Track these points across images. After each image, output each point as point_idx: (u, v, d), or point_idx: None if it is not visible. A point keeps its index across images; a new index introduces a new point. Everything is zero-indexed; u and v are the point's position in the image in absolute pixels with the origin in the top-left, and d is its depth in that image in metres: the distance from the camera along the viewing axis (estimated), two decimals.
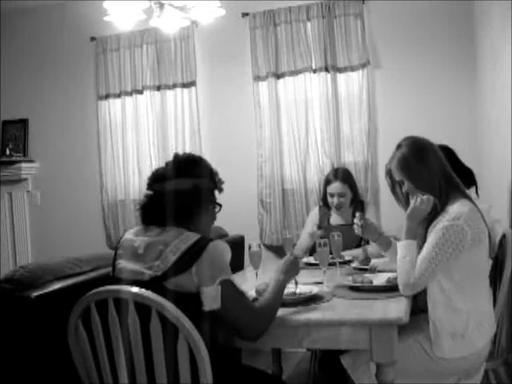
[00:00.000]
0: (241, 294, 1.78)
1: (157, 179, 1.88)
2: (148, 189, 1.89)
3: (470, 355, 2.03)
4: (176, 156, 1.94)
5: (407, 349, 2.02)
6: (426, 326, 2.05)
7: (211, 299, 1.67)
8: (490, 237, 2.11)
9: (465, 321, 2.00)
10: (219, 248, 1.73)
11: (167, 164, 1.93)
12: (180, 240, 1.72)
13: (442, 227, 2.01)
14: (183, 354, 1.60)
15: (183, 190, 1.82)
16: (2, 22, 4.80)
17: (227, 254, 1.76)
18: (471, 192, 2.79)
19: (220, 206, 1.96)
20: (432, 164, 2.12)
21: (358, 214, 2.47)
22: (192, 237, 1.73)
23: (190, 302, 1.65)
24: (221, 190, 1.98)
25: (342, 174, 3.32)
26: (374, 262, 2.73)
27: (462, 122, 3.88)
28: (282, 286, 1.96)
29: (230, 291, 1.73)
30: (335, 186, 3.28)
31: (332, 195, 3.29)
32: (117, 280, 1.77)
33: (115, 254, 1.86)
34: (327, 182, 3.34)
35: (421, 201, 2.10)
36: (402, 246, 2.12)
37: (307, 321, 1.91)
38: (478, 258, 2.05)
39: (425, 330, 2.04)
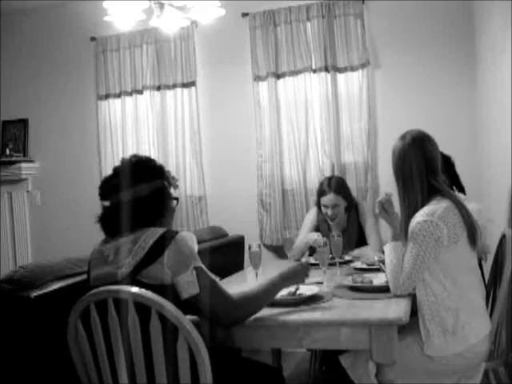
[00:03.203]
0: (214, 281, 1.79)
1: (111, 189, 1.86)
2: (102, 199, 1.89)
3: (465, 351, 2.02)
4: (124, 161, 1.92)
5: (406, 348, 2.03)
6: None
7: (188, 285, 1.70)
8: (474, 235, 2.11)
9: (454, 318, 2.01)
10: (187, 237, 1.77)
11: (116, 171, 1.91)
12: (147, 235, 1.75)
13: (416, 222, 2.03)
14: (183, 354, 1.60)
15: (141, 197, 1.83)
16: (2, 22, 4.80)
17: (194, 242, 1.80)
18: None
19: (177, 199, 1.98)
20: (411, 163, 2.15)
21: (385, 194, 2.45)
22: (159, 230, 1.77)
23: (166, 293, 1.66)
24: (175, 187, 1.98)
25: (335, 185, 3.25)
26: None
27: (461, 122, 3.87)
28: (275, 286, 1.96)
29: (204, 277, 1.75)
30: (328, 199, 3.23)
31: (326, 206, 3.27)
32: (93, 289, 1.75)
33: (88, 266, 1.88)
34: (321, 193, 3.30)
35: (381, 202, 2.25)
36: (388, 249, 2.17)
37: (307, 321, 1.91)
38: (458, 255, 2.05)
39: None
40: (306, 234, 3.25)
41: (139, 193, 1.83)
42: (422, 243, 2.00)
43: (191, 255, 1.75)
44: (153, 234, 1.76)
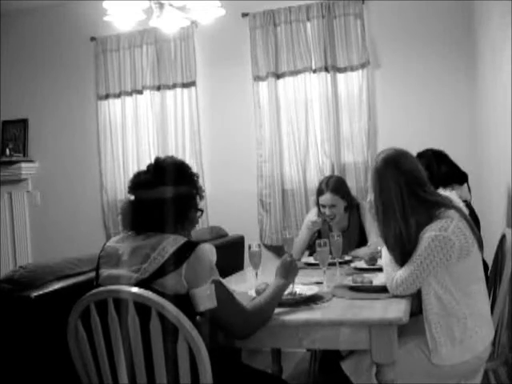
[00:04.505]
0: (231, 295, 1.79)
1: (140, 185, 1.84)
2: (129, 193, 1.86)
3: (472, 359, 2.02)
4: (158, 161, 1.89)
5: (408, 353, 2.01)
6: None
7: (205, 298, 1.68)
8: (482, 243, 2.11)
9: (462, 326, 1.99)
10: (207, 250, 1.75)
11: (149, 169, 1.88)
12: (167, 243, 1.72)
13: (428, 236, 2.00)
14: (183, 354, 1.60)
15: (168, 198, 1.79)
16: (2, 22, 4.80)
17: (214, 255, 1.78)
18: (464, 188, 2.90)
19: (202, 211, 1.94)
20: (390, 181, 2.09)
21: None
22: (179, 239, 1.73)
23: (179, 303, 1.63)
24: (202, 198, 1.94)
25: (333, 185, 3.24)
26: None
27: (461, 122, 3.88)
28: (280, 290, 1.97)
29: (222, 291, 1.74)
30: (326, 198, 3.22)
31: (323, 206, 3.27)
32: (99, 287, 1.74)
33: (98, 262, 1.85)
34: (319, 193, 3.29)
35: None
36: (384, 252, 2.20)
37: (307, 321, 1.91)
38: (470, 266, 2.04)
39: (425, 333, 2.03)
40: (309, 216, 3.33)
41: (165, 194, 1.79)
42: (428, 256, 1.98)
43: (210, 268, 1.72)
44: (173, 242, 1.71)
